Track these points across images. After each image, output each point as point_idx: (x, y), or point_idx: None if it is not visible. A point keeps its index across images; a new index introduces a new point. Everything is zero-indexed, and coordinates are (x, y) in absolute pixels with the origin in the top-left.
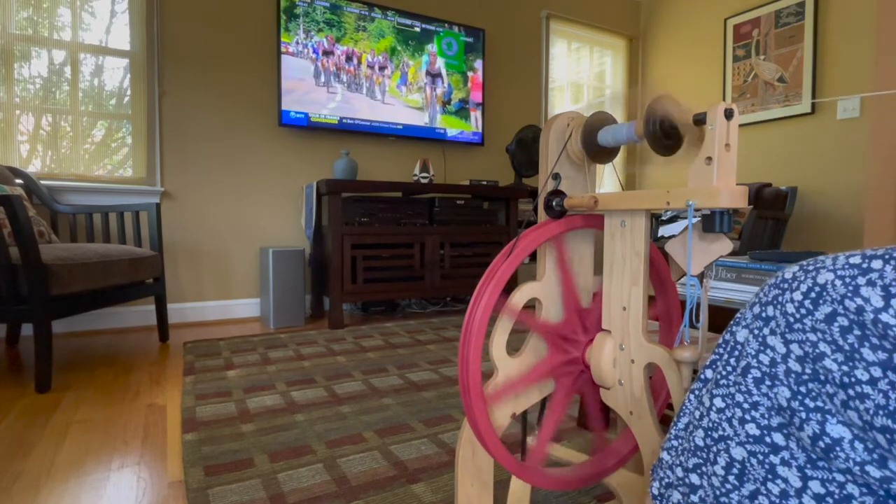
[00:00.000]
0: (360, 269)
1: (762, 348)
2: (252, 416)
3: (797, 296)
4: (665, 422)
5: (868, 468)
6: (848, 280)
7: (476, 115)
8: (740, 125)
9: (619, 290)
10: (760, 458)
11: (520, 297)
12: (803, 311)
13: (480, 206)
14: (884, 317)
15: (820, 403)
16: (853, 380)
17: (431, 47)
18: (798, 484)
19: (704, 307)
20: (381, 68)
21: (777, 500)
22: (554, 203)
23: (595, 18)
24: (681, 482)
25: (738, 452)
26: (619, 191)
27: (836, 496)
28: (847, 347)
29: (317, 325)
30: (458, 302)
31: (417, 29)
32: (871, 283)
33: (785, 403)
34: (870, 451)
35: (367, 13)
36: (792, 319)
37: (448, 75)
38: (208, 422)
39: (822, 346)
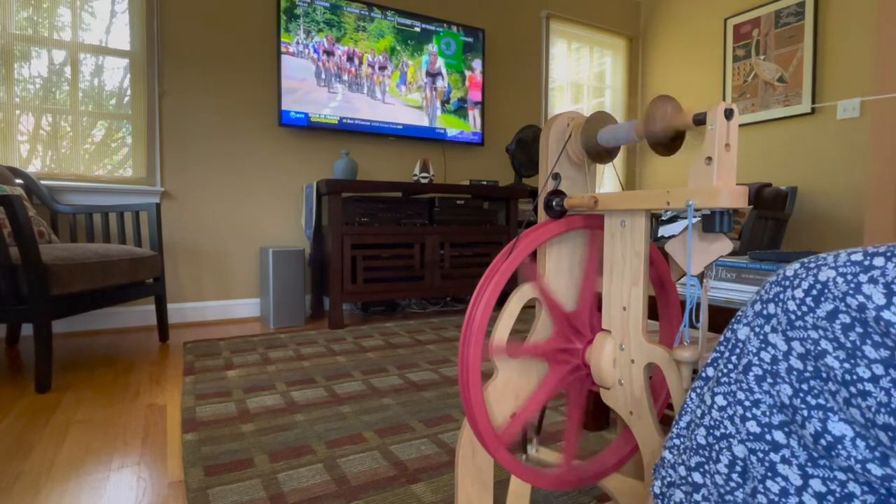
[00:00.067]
0: (360, 269)
1: (763, 346)
2: (252, 416)
3: (798, 293)
4: (665, 422)
5: (869, 466)
6: (850, 277)
7: (474, 114)
8: (740, 125)
9: (619, 290)
10: (760, 455)
11: (520, 297)
12: (805, 308)
13: (480, 206)
14: (886, 314)
15: (822, 401)
16: (855, 377)
17: (431, 47)
18: (799, 482)
19: (704, 307)
20: (382, 68)
21: (776, 499)
22: (554, 203)
23: (595, 18)
24: (683, 481)
25: (740, 450)
26: (619, 191)
27: (837, 494)
28: (849, 345)
29: (317, 325)
30: (458, 302)
31: (417, 29)
32: (872, 281)
33: (787, 401)
34: (871, 448)
35: (366, 13)
36: (793, 317)
37: (447, 74)
38: (208, 422)
39: (824, 344)
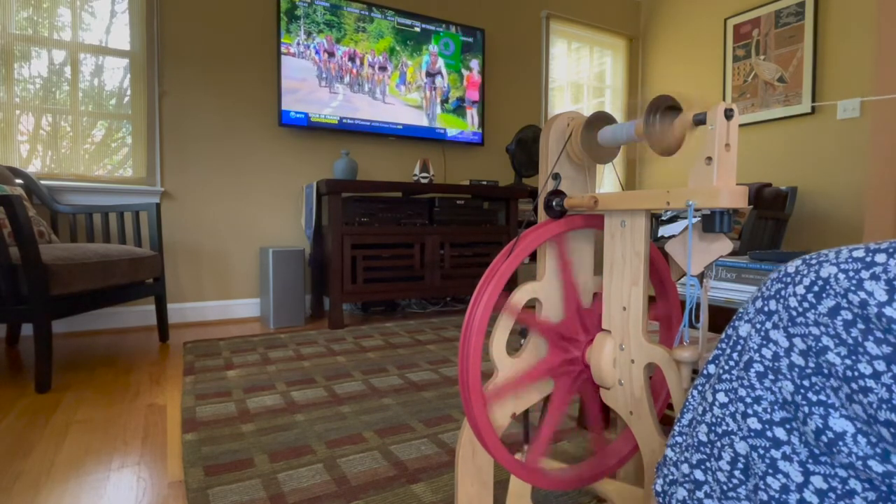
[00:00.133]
0: (360, 269)
1: (765, 342)
2: (252, 416)
3: (800, 289)
4: (665, 421)
5: (871, 463)
6: (851, 274)
7: (472, 113)
8: (740, 125)
9: (619, 290)
10: (762, 452)
11: (520, 296)
12: (806, 304)
13: (480, 206)
14: (888, 311)
15: (823, 397)
16: (856, 374)
17: (431, 47)
18: (800, 479)
19: (704, 307)
20: (382, 68)
21: (777, 495)
22: (554, 203)
23: (595, 18)
24: (686, 478)
25: (742, 447)
26: (619, 191)
27: (838, 491)
28: (850, 341)
29: (317, 325)
30: (458, 302)
31: (417, 29)
32: (874, 277)
33: (788, 398)
34: (873, 445)
35: (366, 13)
36: (795, 313)
37: (447, 74)
38: (208, 422)
39: (826, 340)
